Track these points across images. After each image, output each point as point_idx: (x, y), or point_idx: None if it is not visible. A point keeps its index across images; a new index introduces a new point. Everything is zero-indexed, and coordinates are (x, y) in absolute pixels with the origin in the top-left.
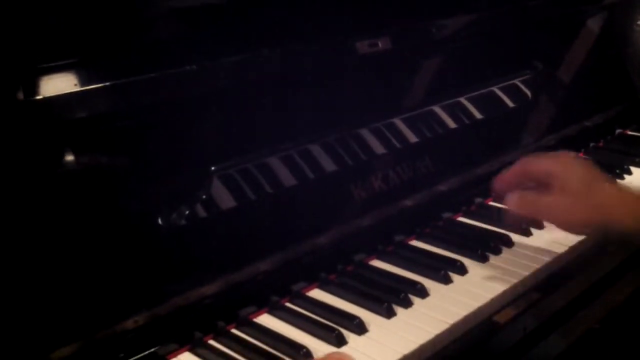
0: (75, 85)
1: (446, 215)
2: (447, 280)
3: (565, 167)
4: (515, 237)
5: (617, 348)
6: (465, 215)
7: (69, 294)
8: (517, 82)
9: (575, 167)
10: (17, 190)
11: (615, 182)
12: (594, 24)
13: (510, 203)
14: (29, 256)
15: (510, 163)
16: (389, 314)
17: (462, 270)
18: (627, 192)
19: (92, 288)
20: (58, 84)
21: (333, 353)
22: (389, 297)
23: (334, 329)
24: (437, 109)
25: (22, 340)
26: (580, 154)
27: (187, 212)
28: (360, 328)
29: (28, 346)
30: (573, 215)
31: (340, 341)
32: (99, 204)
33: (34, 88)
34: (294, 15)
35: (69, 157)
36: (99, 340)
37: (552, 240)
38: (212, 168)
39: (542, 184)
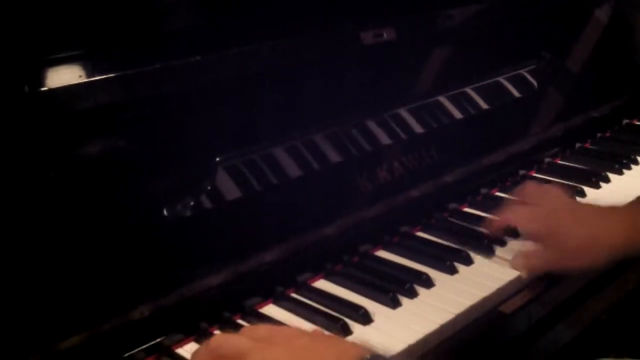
0: (80, 76)
1: (452, 205)
2: (452, 271)
3: (550, 224)
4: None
5: (624, 339)
6: (470, 206)
7: (75, 285)
8: (523, 72)
9: (560, 217)
10: (23, 181)
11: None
12: (600, 13)
13: (516, 267)
14: (34, 247)
15: (515, 154)
16: (394, 304)
17: (467, 260)
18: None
19: (98, 279)
20: (63, 76)
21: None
22: (395, 287)
23: (339, 319)
24: (442, 100)
25: (28, 332)
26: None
27: (192, 203)
28: (365, 318)
29: (34, 337)
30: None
31: (345, 331)
32: (105, 194)
33: (39, 80)
34: (298, 6)
35: (75, 149)
36: (105, 331)
37: None
38: (218, 159)
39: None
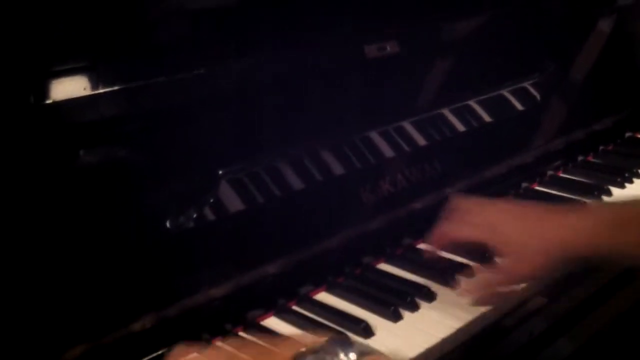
0: (85, 89)
1: None
2: (455, 284)
3: (500, 224)
4: None
5: (626, 352)
6: None
7: (78, 296)
8: (526, 84)
9: (502, 220)
10: (27, 192)
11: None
12: (604, 25)
13: (473, 302)
14: (36, 257)
15: (518, 167)
16: (396, 317)
17: (469, 274)
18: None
19: (101, 291)
20: (68, 88)
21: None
22: (396, 300)
23: (340, 333)
24: (445, 112)
25: (29, 344)
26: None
27: (195, 215)
28: (366, 332)
29: (36, 349)
30: (536, 259)
31: None
32: (108, 207)
33: (44, 92)
34: (302, 19)
35: (79, 161)
36: (107, 343)
37: None
38: (220, 171)
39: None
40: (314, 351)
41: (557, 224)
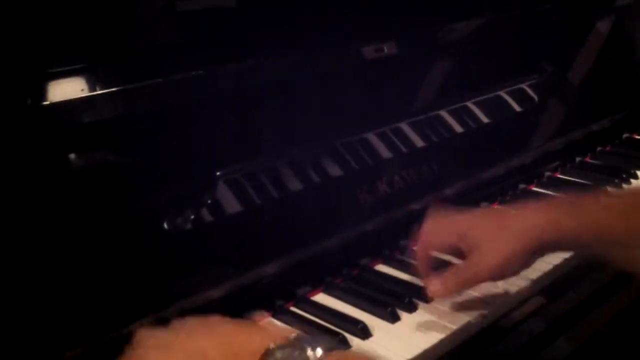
0: (82, 90)
1: None
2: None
3: (468, 229)
4: None
5: (625, 352)
6: None
7: (76, 298)
8: (523, 86)
9: (475, 222)
10: (24, 193)
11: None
12: (601, 27)
13: (436, 293)
14: (35, 259)
15: (516, 168)
16: (394, 318)
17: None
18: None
19: (99, 292)
20: (65, 89)
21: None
22: (394, 301)
23: (337, 334)
24: (443, 113)
25: (26, 346)
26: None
27: (192, 217)
28: (364, 332)
29: (32, 351)
30: (505, 253)
31: (344, 345)
32: (106, 208)
33: (41, 93)
34: (300, 20)
35: (77, 162)
36: (105, 344)
37: None
38: (218, 172)
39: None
40: (282, 347)
41: (520, 217)
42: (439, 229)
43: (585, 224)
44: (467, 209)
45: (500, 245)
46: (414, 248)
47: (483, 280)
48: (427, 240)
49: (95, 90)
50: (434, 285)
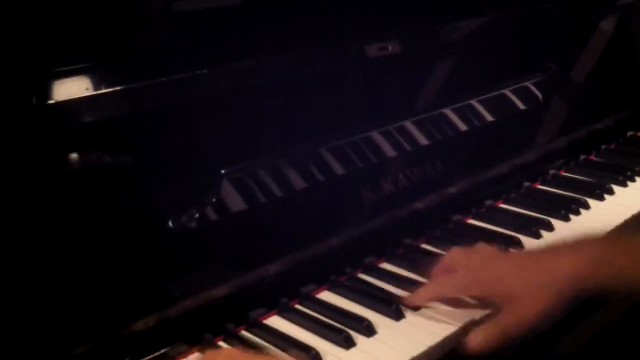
0: (87, 89)
1: (456, 217)
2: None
3: (498, 284)
4: (524, 240)
5: (625, 353)
6: (475, 218)
7: (81, 296)
8: (528, 84)
9: (503, 274)
10: (29, 192)
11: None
12: (605, 25)
13: (477, 346)
14: (38, 257)
15: (520, 166)
16: (398, 316)
17: None
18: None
19: (104, 290)
20: (70, 89)
21: None
22: (398, 299)
23: (342, 331)
24: (447, 112)
25: (31, 344)
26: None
27: (197, 215)
28: (369, 330)
29: (38, 349)
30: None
31: (348, 343)
32: (110, 207)
33: (46, 92)
34: (304, 18)
35: (82, 161)
36: (110, 341)
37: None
38: (223, 171)
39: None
40: None
41: (552, 263)
42: (463, 282)
43: (618, 273)
44: (488, 248)
45: (541, 294)
46: (432, 289)
47: (527, 328)
48: (449, 292)
49: (101, 90)
50: (476, 337)
